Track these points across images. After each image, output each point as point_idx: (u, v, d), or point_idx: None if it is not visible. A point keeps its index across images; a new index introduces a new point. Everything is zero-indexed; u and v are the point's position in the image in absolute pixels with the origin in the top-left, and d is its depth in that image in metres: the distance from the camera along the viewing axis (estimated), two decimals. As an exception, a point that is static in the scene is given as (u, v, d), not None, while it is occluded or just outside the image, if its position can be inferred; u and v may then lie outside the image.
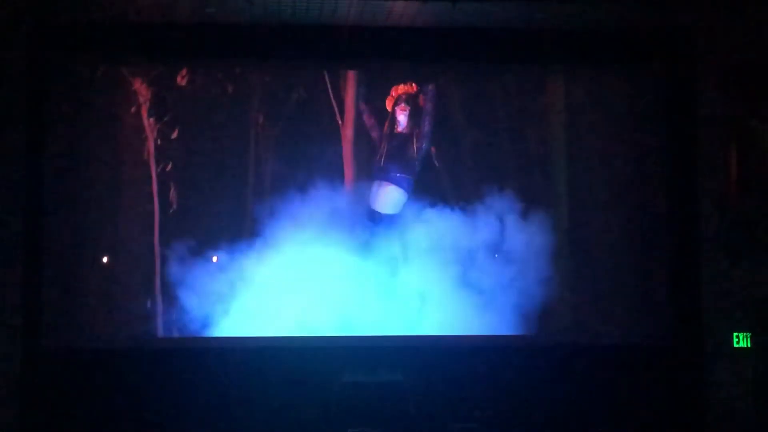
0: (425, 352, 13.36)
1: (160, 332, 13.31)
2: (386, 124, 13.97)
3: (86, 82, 13.58)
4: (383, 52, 13.65)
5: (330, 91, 13.88)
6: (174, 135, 13.62)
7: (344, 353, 13.30)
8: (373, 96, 14.02)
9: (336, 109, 13.88)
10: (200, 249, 13.36)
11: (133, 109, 13.59)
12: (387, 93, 14.04)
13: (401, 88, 14.06)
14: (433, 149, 14.05)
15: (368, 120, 14.01)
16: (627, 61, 14.13)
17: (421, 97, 14.06)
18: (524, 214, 13.79)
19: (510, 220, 13.77)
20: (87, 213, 13.35)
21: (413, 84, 14.08)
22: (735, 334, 12.87)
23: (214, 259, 13.36)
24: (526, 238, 13.75)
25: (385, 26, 13.20)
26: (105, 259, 13.37)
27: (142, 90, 13.65)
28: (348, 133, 13.95)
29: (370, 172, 13.93)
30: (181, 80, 13.76)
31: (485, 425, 12.35)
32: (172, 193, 13.53)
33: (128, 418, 12.51)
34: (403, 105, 14.04)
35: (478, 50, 13.61)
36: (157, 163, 13.56)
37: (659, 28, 13.63)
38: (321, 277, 13.40)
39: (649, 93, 14.19)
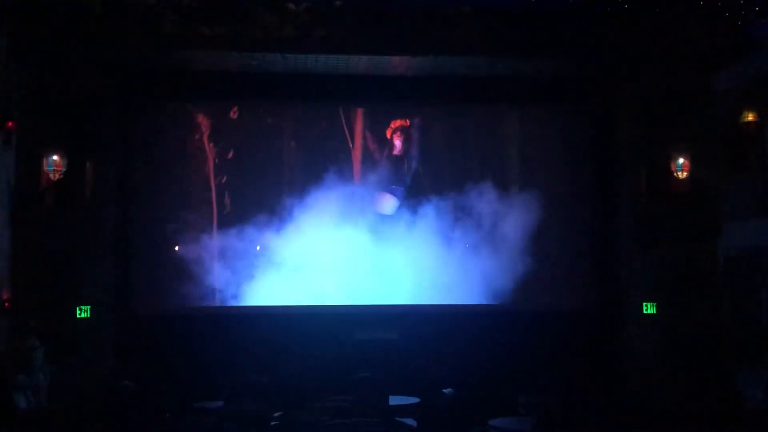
0: (413, 317, 14.50)
1: (218, 302, 14.47)
2: (386, 148, 15.11)
3: (162, 116, 14.79)
4: (383, 94, 14.75)
5: (344, 122, 15.03)
6: (229, 156, 14.77)
7: (355, 318, 14.42)
8: (376, 127, 15.14)
9: (348, 136, 15.01)
10: (247, 240, 14.46)
11: (197, 137, 14.80)
12: (387, 125, 15.17)
13: (398, 122, 15.16)
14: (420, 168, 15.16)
15: (372, 145, 15.07)
16: (565, 101, 15.23)
17: (412, 129, 15.17)
18: (487, 215, 14.86)
19: (476, 218, 14.86)
20: (164, 214, 14.54)
21: (407, 119, 15.19)
22: (644, 303, 13.93)
23: (258, 247, 14.53)
24: (488, 232, 14.88)
25: (385, 75, 14.42)
26: (176, 248, 14.51)
27: (204, 122, 14.85)
28: (357, 154, 15.05)
29: (373, 183, 14.99)
30: (233, 115, 14.95)
31: (453, 368, 13.15)
32: (226, 198, 14.71)
33: (195, 367, 13.51)
34: (398, 134, 15.12)
35: (452, 93, 14.73)
36: (216, 176, 14.72)
37: (588, 76, 14.78)
38: (338, 260, 14.54)
39: (581, 126, 15.36)
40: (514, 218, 15.02)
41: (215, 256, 14.55)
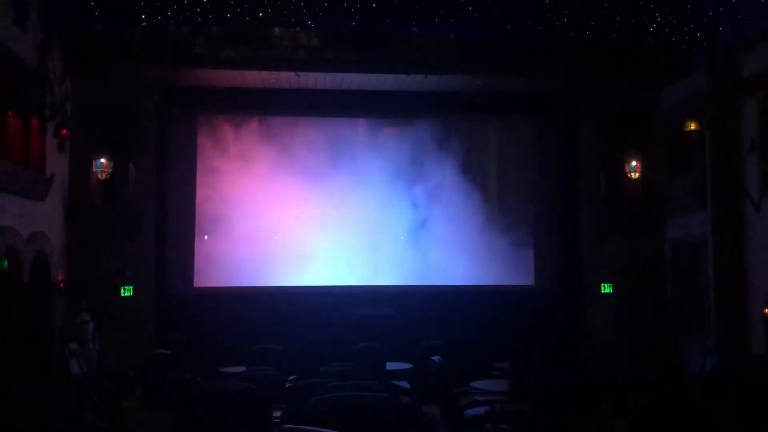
0: (406, 295, 14.50)
1: (239, 283, 14.32)
2: (383, 152, 14.86)
3: (194, 125, 14.69)
4: (382, 106, 14.69)
5: (348, 129, 15.04)
6: (250, 158, 14.57)
7: (357, 296, 14.41)
8: (376, 133, 15.13)
9: (352, 141, 14.96)
10: (265, 229, 14.46)
11: (224, 142, 14.66)
12: (386, 132, 15.08)
13: (394, 129, 15.14)
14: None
15: (371, 149, 14.82)
16: (536, 114, 15.23)
17: (407, 136, 14.85)
18: (468, 210, 14.80)
19: (459, 213, 14.79)
20: (194, 207, 14.47)
21: (403, 128, 14.99)
22: (602, 284, 14.02)
23: (275, 237, 14.53)
24: (468, 225, 14.78)
25: (384, 90, 14.33)
26: (206, 237, 14.49)
27: (229, 130, 14.75)
28: (359, 156, 14.78)
29: (373, 181, 14.62)
30: (255, 124, 14.80)
31: (440, 338, 13.07)
32: (248, 194, 14.47)
33: (220, 337, 13.43)
34: (395, 140, 14.90)
35: (440, 106, 14.65)
36: (240, 175, 14.51)
37: (555, 93, 14.80)
38: (342, 246, 14.50)
39: (550, 134, 15.31)
40: (492, 213, 15.01)
41: (238, 243, 14.41)
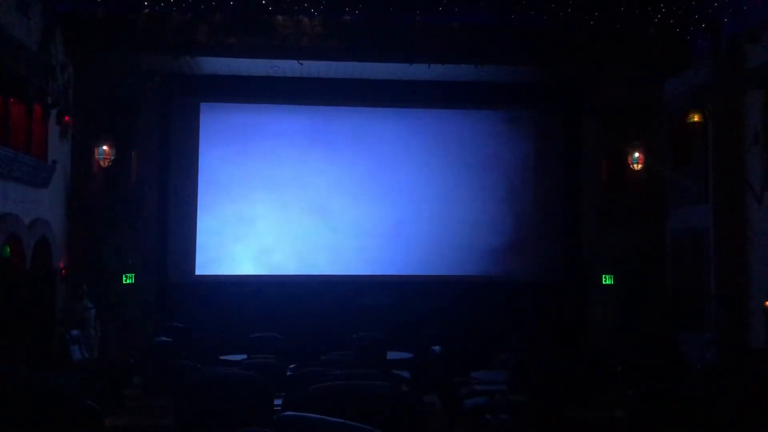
0: (407, 285, 14.45)
1: (240, 271, 14.32)
2: (384, 142, 14.79)
3: (195, 113, 14.59)
4: (385, 95, 14.64)
5: (350, 119, 14.83)
6: (252, 146, 14.47)
7: (357, 285, 14.38)
8: (378, 123, 14.90)
9: (353, 130, 14.81)
10: (266, 217, 14.37)
11: (226, 131, 14.54)
12: (388, 122, 14.87)
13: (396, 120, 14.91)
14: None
15: (372, 138, 14.73)
16: (538, 105, 15.16)
17: (409, 126, 14.87)
18: (471, 201, 14.77)
19: (462, 203, 14.76)
20: (195, 194, 14.39)
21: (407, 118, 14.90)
22: (603, 275, 13.91)
23: (276, 226, 14.43)
24: (472, 215, 14.75)
25: (386, 79, 14.30)
26: (207, 225, 14.29)
27: (231, 118, 14.62)
28: (360, 145, 14.72)
29: (373, 172, 14.72)
30: (257, 112, 14.65)
31: (441, 329, 13.08)
32: (250, 182, 14.40)
33: (222, 326, 13.49)
34: (397, 131, 14.83)
35: (442, 96, 14.68)
36: (241, 164, 14.43)
37: (558, 83, 14.80)
38: (343, 235, 14.51)
39: (552, 125, 15.23)
40: (494, 204, 14.93)
41: (240, 232, 14.40)
